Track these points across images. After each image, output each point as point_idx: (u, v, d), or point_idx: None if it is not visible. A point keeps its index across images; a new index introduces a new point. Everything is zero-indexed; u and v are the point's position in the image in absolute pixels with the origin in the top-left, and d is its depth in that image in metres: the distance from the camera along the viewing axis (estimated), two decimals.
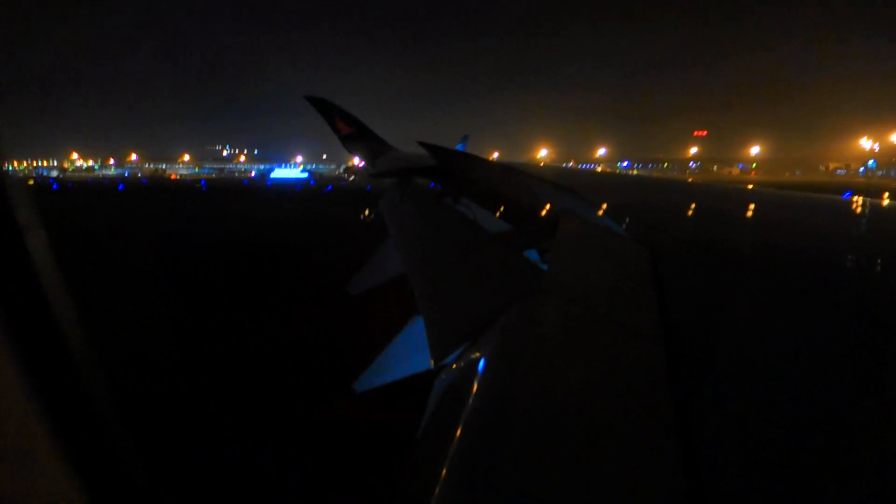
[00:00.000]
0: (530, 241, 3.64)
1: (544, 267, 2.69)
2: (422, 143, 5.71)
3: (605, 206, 3.52)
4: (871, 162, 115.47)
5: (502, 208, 4.44)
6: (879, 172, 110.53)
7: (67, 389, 1.29)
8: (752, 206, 3.56)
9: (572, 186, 4.28)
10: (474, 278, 2.68)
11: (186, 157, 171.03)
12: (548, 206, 3.94)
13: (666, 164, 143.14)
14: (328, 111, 7.89)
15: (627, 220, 3.08)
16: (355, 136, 8.07)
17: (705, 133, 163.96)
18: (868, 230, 2.74)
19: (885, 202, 3.34)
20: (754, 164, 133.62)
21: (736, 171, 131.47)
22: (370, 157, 7.73)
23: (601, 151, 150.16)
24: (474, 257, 3.04)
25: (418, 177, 5.85)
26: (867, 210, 3.26)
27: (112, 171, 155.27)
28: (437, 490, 1.25)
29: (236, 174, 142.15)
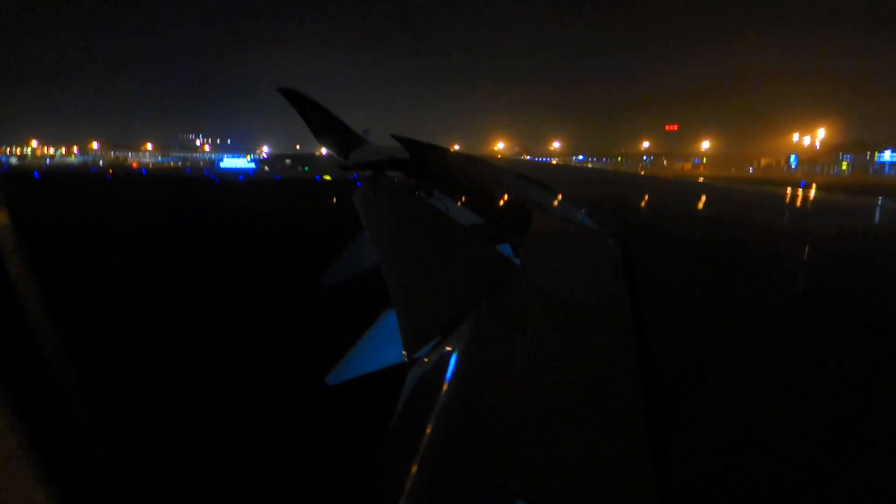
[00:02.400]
0: (503, 235, 3.66)
1: (517, 261, 2.71)
2: (395, 137, 5.69)
3: (577, 200, 3.55)
4: (792, 157, 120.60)
5: (476, 202, 4.45)
6: (818, 168, 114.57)
7: (36, 381, 1.26)
8: (724, 202, 3.62)
9: (546, 181, 4.31)
10: (447, 272, 2.68)
11: (150, 146, 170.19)
12: (521, 201, 3.96)
13: (619, 158, 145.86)
14: (301, 104, 7.81)
15: (600, 214, 3.12)
16: (328, 128, 8.01)
17: (676, 127, 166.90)
18: (845, 226, 2.81)
19: (860, 200, 3.43)
20: (704, 160, 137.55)
21: (689, 165, 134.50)
22: (343, 149, 7.68)
23: (556, 145, 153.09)
24: (447, 251, 3.05)
25: (392, 170, 5.82)
26: (842, 206, 3.34)
27: (73, 159, 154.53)
28: (409, 482, 1.25)
29: (201, 163, 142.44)
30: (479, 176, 5.10)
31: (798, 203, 3.45)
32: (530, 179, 4.48)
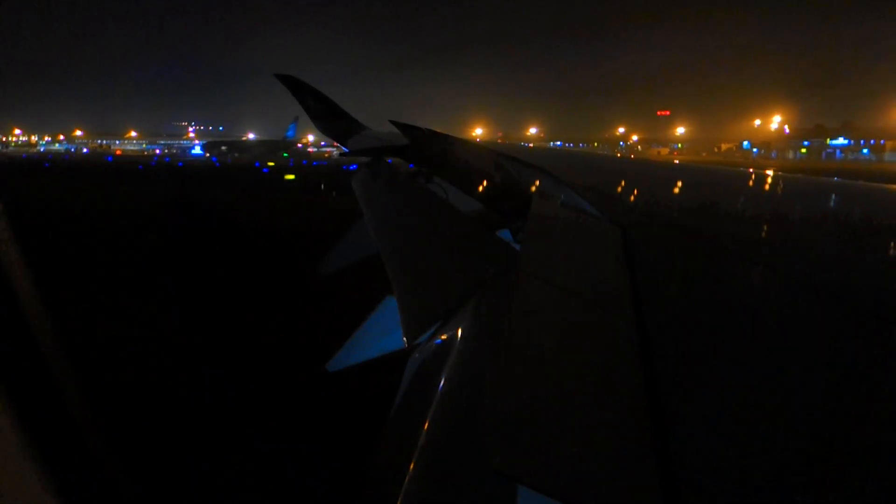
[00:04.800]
0: (503, 220, 3.65)
1: (517, 246, 2.71)
2: (394, 122, 5.66)
3: (576, 185, 3.54)
4: (745, 143, 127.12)
5: (475, 188, 4.43)
6: (773, 153, 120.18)
7: (36, 380, 1.26)
8: (724, 187, 3.61)
9: (545, 166, 4.29)
10: (447, 258, 2.68)
11: (133, 134, 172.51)
12: (521, 186, 3.95)
13: (595, 144, 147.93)
14: (299, 90, 7.77)
15: (600, 199, 3.11)
16: (326, 114, 7.97)
17: (668, 113, 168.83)
18: (846, 212, 2.80)
19: (861, 185, 3.41)
20: (679, 145, 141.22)
21: (666, 150, 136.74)
22: (342, 135, 7.65)
23: (532, 130, 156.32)
24: (447, 237, 3.04)
25: (391, 156, 5.80)
26: (842, 191, 3.33)
27: (57, 146, 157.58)
28: (411, 467, 1.26)
29: (178, 151, 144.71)
30: (478, 161, 5.08)
31: (799, 188, 3.44)
32: (529, 165, 4.46)
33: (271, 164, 77.06)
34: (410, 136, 5.44)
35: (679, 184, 3.82)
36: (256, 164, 76.58)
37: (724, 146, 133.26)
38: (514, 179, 4.19)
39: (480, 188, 4.37)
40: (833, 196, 3.20)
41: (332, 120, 7.97)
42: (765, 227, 2.41)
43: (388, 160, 5.74)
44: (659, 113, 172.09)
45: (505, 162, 4.77)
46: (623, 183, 4.02)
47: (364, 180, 5.05)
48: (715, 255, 2.03)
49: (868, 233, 2.23)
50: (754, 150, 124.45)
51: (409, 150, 5.50)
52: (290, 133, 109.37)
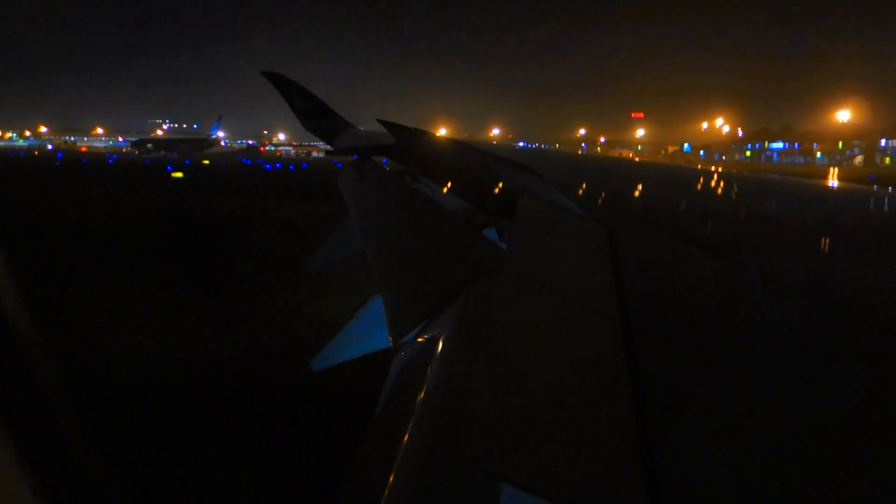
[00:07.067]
0: (489, 220, 3.66)
1: (503, 246, 2.72)
2: (381, 121, 5.66)
3: (562, 185, 3.56)
4: (686, 146, 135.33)
5: (462, 187, 4.44)
6: (716, 156, 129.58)
7: (18, 379, 1.25)
8: (710, 188, 3.65)
9: (531, 165, 4.31)
10: (433, 257, 2.68)
11: (100, 130, 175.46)
12: (507, 186, 3.96)
13: (557, 145, 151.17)
14: (285, 87, 7.71)
15: (587, 199, 3.12)
16: (313, 112, 7.91)
17: (642, 115, 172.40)
18: (833, 214, 2.83)
19: (853, 189, 3.46)
20: (640, 147, 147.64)
21: (627, 152, 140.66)
22: (328, 133, 7.61)
23: (495, 131, 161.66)
24: (433, 236, 3.05)
25: (377, 155, 5.79)
26: (831, 195, 3.38)
27: (21, 143, 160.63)
28: (395, 465, 1.26)
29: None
30: (464, 160, 5.09)
31: (787, 190, 3.49)
32: (516, 164, 4.47)
33: (206, 161, 79.00)
34: (397, 134, 5.43)
35: (665, 184, 3.85)
36: (187, 161, 77.66)
37: (670, 149, 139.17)
38: (500, 179, 4.21)
39: (467, 187, 4.38)
40: (816, 196, 3.24)
41: (318, 118, 7.92)
42: (753, 228, 2.43)
43: (374, 159, 5.73)
44: (633, 115, 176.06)
45: (491, 161, 4.78)
46: (610, 183, 4.05)
47: (350, 179, 5.04)
48: (702, 257, 2.04)
49: (861, 235, 2.26)
50: (700, 152, 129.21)
51: (396, 148, 5.49)
52: (213, 131, 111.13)
